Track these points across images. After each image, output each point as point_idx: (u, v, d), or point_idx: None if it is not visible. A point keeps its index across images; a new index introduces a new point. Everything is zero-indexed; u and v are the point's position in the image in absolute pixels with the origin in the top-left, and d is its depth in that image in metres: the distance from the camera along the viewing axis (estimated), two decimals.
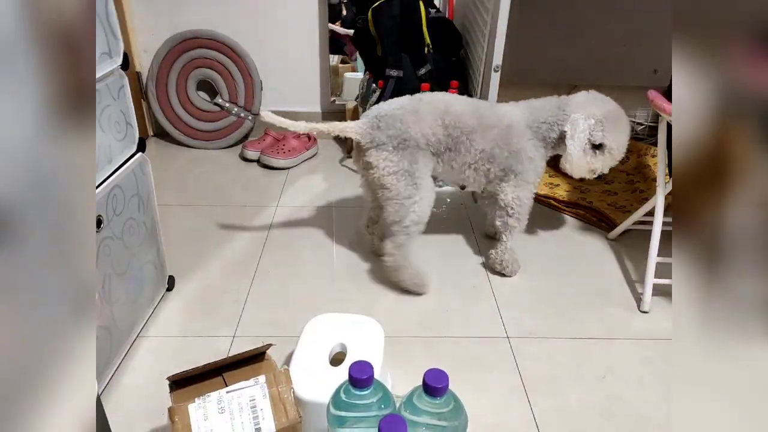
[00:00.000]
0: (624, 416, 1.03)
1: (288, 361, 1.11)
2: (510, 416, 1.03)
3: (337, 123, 1.26)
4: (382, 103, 1.28)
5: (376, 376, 0.92)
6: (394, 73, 1.76)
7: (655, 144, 1.63)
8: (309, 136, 2.09)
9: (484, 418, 1.02)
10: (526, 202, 1.38)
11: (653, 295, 1.31)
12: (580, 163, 1.31)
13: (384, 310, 1.30)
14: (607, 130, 1.28)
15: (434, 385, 0.67)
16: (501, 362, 1.15)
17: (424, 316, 1.29)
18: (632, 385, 1.10)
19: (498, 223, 1.40)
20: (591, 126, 1.28)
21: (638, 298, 1.34)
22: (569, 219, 1.72)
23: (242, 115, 2.07)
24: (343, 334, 1.03)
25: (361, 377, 0.68)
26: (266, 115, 1.24)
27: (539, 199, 1.78)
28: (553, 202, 1.78)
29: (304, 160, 2.07)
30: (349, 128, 1.25)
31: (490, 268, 1.45)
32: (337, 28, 3.06)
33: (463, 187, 1.47)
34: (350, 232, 1.61)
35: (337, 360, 1.01)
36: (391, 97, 1.76)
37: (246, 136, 2.17)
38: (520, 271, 1.45)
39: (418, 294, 1.35)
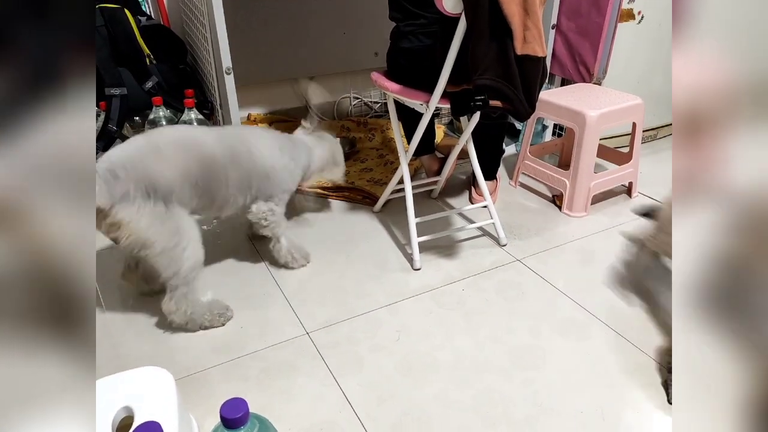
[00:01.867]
0: (420, 366, 1.14)
1: None
2: (326, 409, 1.05)
3: None
4: (109, 152, 1.09)
5: (173, 428, 0.83)
6: (116, 91, 1.57)
7: None
8: None
9: (302, 421, 1.02)
10: (277, 215, 1.38)
11: (420, 252, 1.47)
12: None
13: (171, 349, 1.18)
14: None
15: (232, 417, 0.63)
16: (306, 360, 1.16)
17: (219, 341, 1.21)
18: (422, 337, 1.23)
19: (261, 232, 1.40)
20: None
21: (410, 259, 1.48)
22: (338, 203, 1.81)
23: None
24: (125, 396, 0.90)
25: None
26: None
27: (308, 190, 1.82)
28: (320, 190, 1.84)
29: None
30: None
31: (283, 266, 1.46)
32: None
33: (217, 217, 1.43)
34: (117, 274, 1.41)
35: (126, 427, 0.88)
36: (119, 118, 1.58)
37: None
38: (307, 265, 1.47)
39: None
